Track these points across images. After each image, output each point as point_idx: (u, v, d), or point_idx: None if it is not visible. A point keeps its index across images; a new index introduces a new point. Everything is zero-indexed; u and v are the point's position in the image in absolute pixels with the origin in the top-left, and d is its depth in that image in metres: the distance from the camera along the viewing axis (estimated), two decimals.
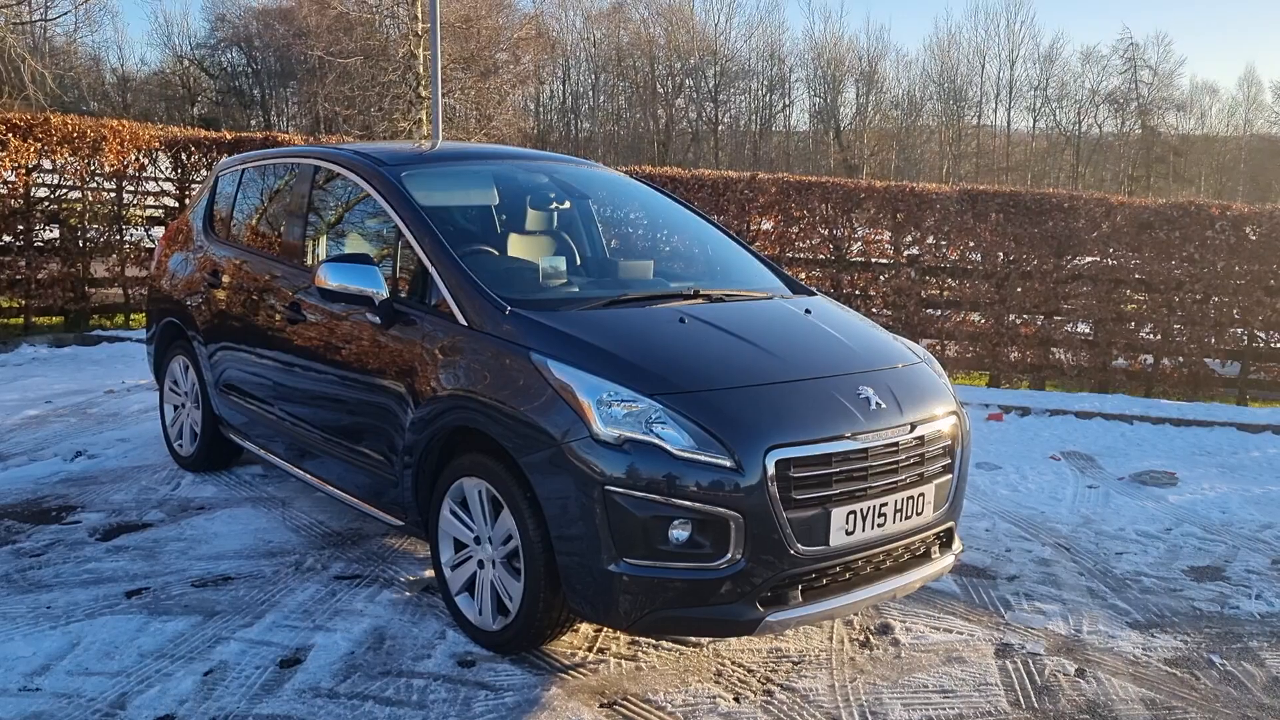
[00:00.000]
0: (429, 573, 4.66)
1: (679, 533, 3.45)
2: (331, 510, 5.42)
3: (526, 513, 3.68)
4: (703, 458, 3.45)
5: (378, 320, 4.27)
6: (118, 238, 10.77)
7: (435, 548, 4.15)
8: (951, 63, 65.69)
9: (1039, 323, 10.67)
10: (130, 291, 11.04)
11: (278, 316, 4.96)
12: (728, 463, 3.45)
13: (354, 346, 4.43)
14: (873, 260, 10.97)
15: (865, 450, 3.69)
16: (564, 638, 3.99)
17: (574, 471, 3.50)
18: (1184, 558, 5.43)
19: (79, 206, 10.48)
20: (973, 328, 10.74)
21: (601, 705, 3.61)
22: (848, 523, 3.65)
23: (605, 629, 4.10)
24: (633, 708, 3.60)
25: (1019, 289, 10.48)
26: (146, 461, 6.22)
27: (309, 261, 4.98)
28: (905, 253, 10.85)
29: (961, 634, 4.31)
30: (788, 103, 66.71)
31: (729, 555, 3.46)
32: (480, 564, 3.97)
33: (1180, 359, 10.44)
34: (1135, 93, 63.86)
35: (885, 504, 3.75)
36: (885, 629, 4.31)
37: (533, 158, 5.52)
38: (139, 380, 8.53)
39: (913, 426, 3.86)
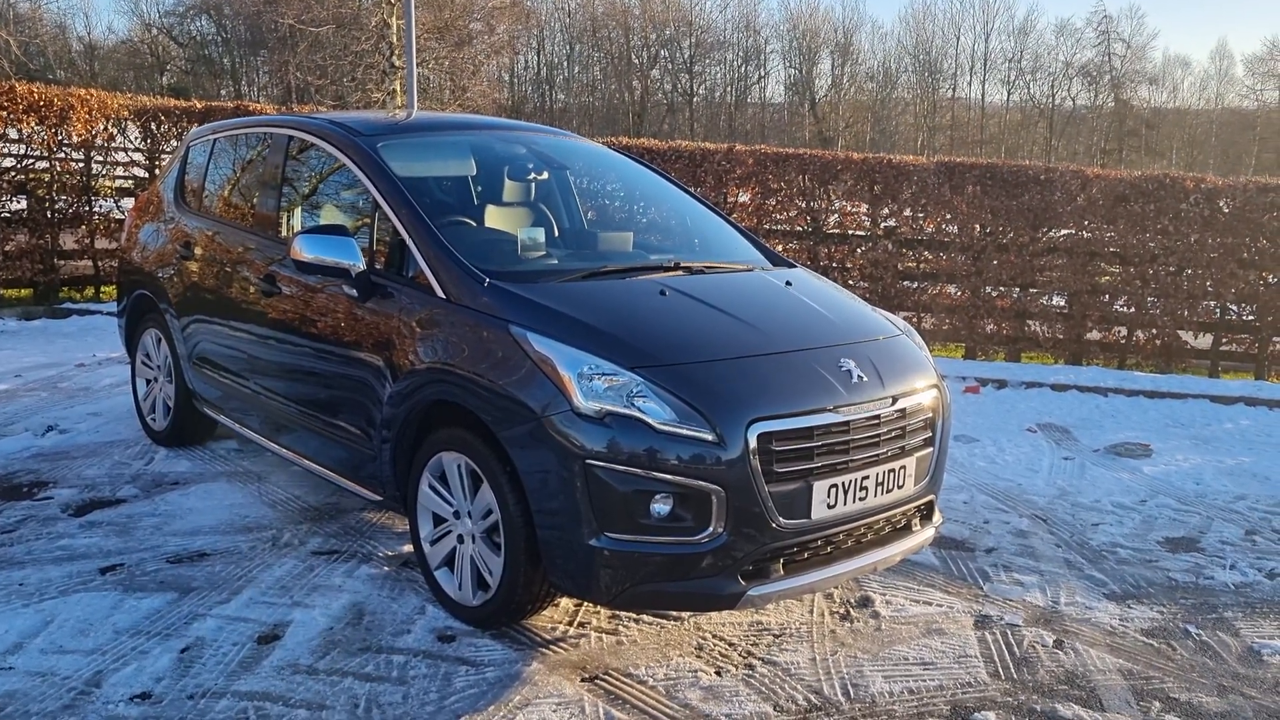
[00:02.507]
0: (408, 548, 4.63)
1: (660, 506, 3.43)
2: (308, 485, 5.37)
3: (506, 487, 3.65)
4: (684, 431, 3.43)
5: (354, 293, 4.21)
6: (86, 209, 10.61)
7: (414, 523, 4.12)
8: (926, 35, 65.69)
9: (1015, 295, 10.71)
10: (100, 264, 10.90)
11: (252, 289, 4.89)
12: (709, 436, 3.43)
13: (330, 320, 4.38)
14: (850, 233, 10.96)
15: (847, 423, 3.68)
16: (544, 612, 3.98)
17: (554, 445, 3.47)
18: (1159, 529, 5.47)
19: (46, 177, 10.30)
20: (949, 300, 10.77)
21: (583, 680, 3.60)
22: (829, 496, 3.64)
23: (585, 603, 4.09)
24: (614, 682, 3.59)
25: (995, 261, 10.50)
26: (119, 436, 6.14)
27: (283, 233, 4.91)
28: (882, 225, 10.85)
29: (941, 606, 4.33)
30: (763, 74, 66.56)
31: (710, 529, 3.44)
32: (460, 539, 3.94)
33: (1154, 331, 10.51)
34: (1108, 65, 64.07)
35: (867, 477, 3.75)
36: (866, 602, 4.32)
37: (510, 128, 5.46)
38: (110, 354, 8.42)
39: (894, 399, 3.85)
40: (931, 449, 4.05)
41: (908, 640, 4.01)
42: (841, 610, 4.24)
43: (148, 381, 6.06)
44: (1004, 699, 3.62)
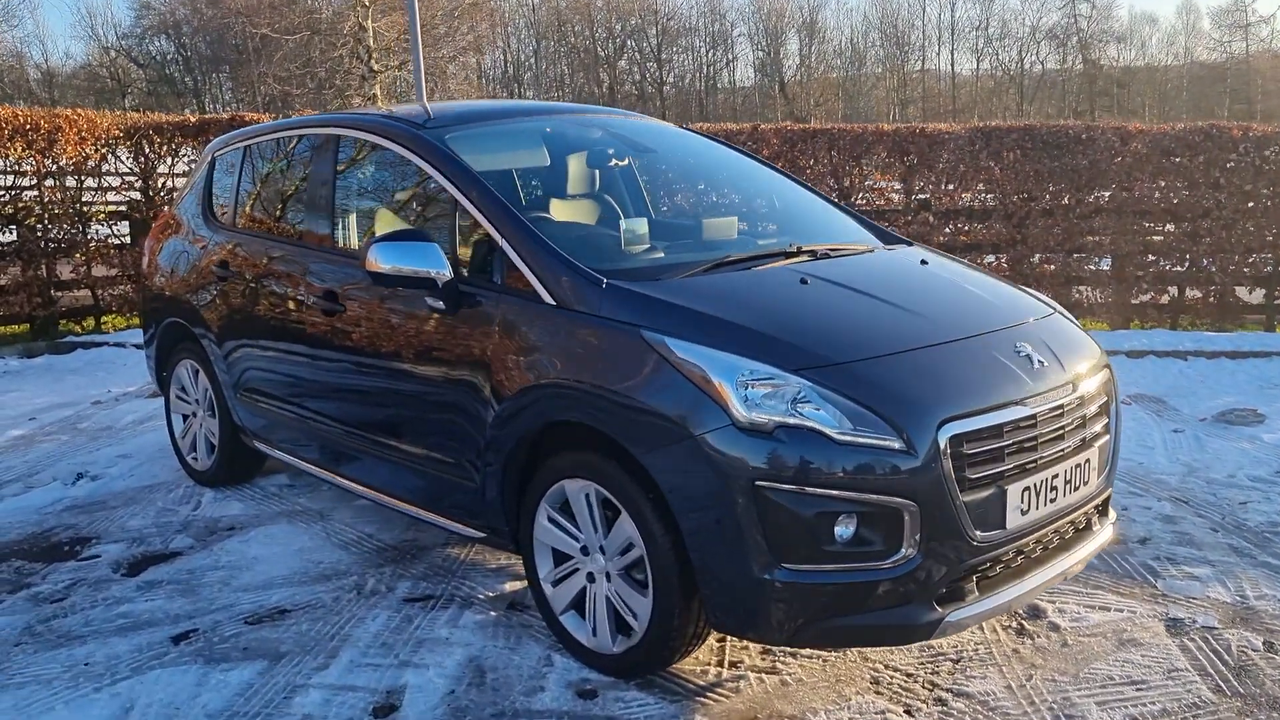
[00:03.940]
0: (511, 586, 4.13)
1: (843, 529, 2.94)
2: (378, 520, 4.85)
3: (652, 517, 3.15)
4: (868, 440, 2.93)
5: (440, 305, 3.69)
6: (81, 236, 10.00)
7: (530, 561, 3.61)
8: (892, 8, 65.38)
9: (1060, 260, 10.25)
10: (99, 292, 10.29)
11: (308, 308, 4.36)
12: (896, 444, 2.94)
13: (410, 336, 3.86)
14: (883, 209, 10.49)
15: (1034, 416, 3.20)
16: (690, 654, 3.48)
17: (715, 467, 2.96)
18: None
19: (36, 206, 9.70)
20: (994, 271, 10.30)
21: None
22: (1023, 501, 3.16)
23: (733, 640, 3.60)
24: None
25: (1038, 227, 10.05)
26: (157, 479, 5.60)
27: (340, 243, 4.39)
28: (915, 197, 10.38)
29: (1121, 611, 3.85)
30: (731, 58, 66.10)
31: (902, 551, 2.95)
32: (590, 577, 3.44)
33: (1212, 288, 10.08)
34: (1075, 27, 63.88)
35: (1055, 475, 3.27)
36: (1036, 613, 3.84)
37: (578, 111, 4.92)
38: (127, 388, 7.86)
39: (1074, 385, 3.38)
40: (1109, 436, 3.58)
41: (1103, 655, 3.53)
42: (1014, 625, 3.76)
43: (185, 417, 5.53)
44: None
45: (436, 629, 3.77)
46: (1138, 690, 3.32)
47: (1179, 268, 10.16)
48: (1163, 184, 9.93)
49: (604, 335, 3.28)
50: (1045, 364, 3.33)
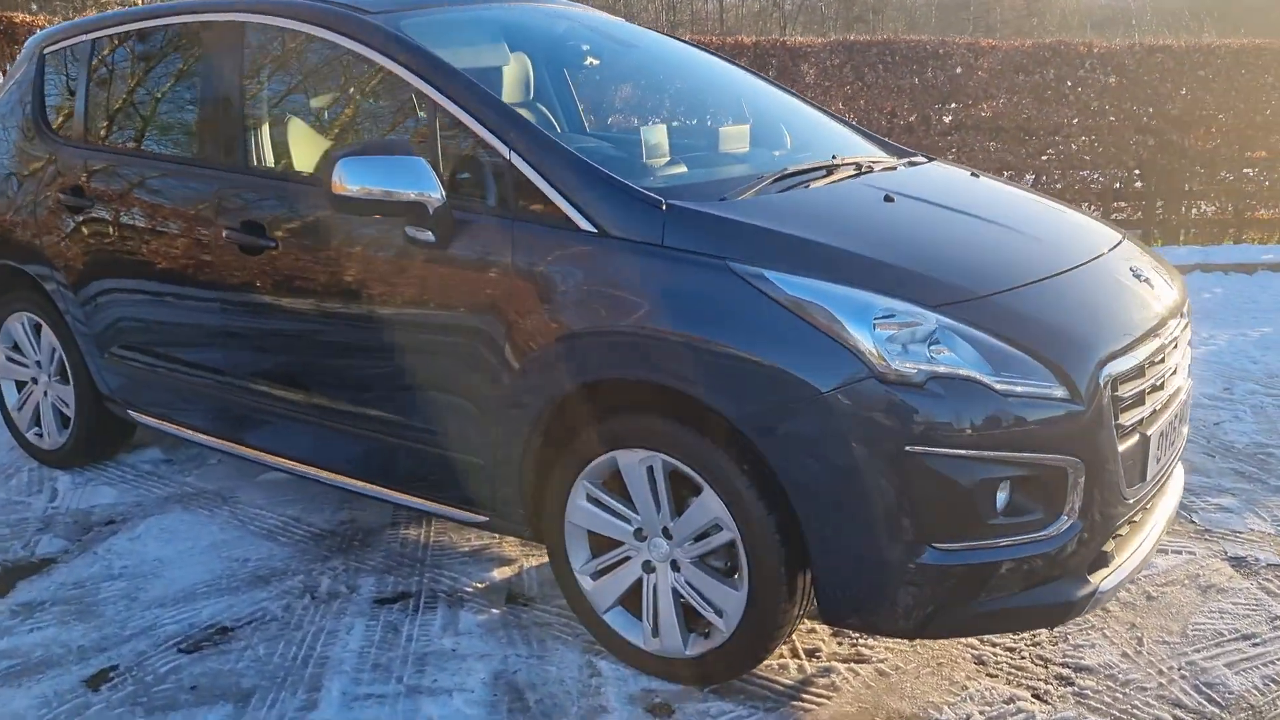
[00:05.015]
0: (499, 573, 3.44)
1: (1002, 496, 2.44)
2: (299, 499, 4.01)
3: (750, 494, 2.54)
4: (1030, 389, 2.42)
5: (429, 237, 2.90)
6: None
7: (560, 549, 2.94)
8: None
9: None
10: None
11: (221, 245, 3.44)
12: (1060, 391, 2.43)
13: (381, 277, 3.05)
14: None
15: (1163, 348, 2.78)
16: None
17: (849, 431, 2.38)
18: (1275, 417, 4.92)
19: None
20: None
21: None
22: (1158, 447, 2.76)
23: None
24: None
25: (903, 143, 9.82)
26: None
27: (263, 163, 3.47)
28: None
29: (1180, 554, 3.55)
30: None
31: (1064, 517, 2.48)
32: (648, 567, 2.81)
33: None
34: None
35: (1175, 416, 2.89)
36: None
37: None
38: None
39: (1182, 311, 2.99)
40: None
41: (1195, 607, 3.21)
42: None
43: (20, 385, 4.44)
44: None
45: (435, 639, 3.05)
46: (1254, 646, 3.00)
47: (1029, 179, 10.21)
48: (1014, 99, 9.88)
49: (674, 270, 2.61)
50: (1156, 288, 2.92)
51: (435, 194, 2.84)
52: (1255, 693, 2.77)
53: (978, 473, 2.38)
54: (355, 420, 3.27)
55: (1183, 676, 2.85)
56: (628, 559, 2.85)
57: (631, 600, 2.88)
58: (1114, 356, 2.54)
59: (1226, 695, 2.76)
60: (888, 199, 2.93)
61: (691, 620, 2.79)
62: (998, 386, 2.38)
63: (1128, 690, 2.79)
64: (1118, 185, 10.35)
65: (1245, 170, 10.24)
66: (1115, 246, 3.03)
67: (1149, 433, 2.67)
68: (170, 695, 2.80)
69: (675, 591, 2.77)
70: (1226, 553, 3.55)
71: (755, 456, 2.53)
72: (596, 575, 2.91)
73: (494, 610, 3.21)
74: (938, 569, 2.43)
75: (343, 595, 3.31)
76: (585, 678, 2.86)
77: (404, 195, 2.83)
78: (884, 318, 2.42)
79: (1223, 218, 10.34)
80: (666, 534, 2.74)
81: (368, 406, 3.22)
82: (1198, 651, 2.96)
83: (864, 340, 2.38)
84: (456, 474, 3.08)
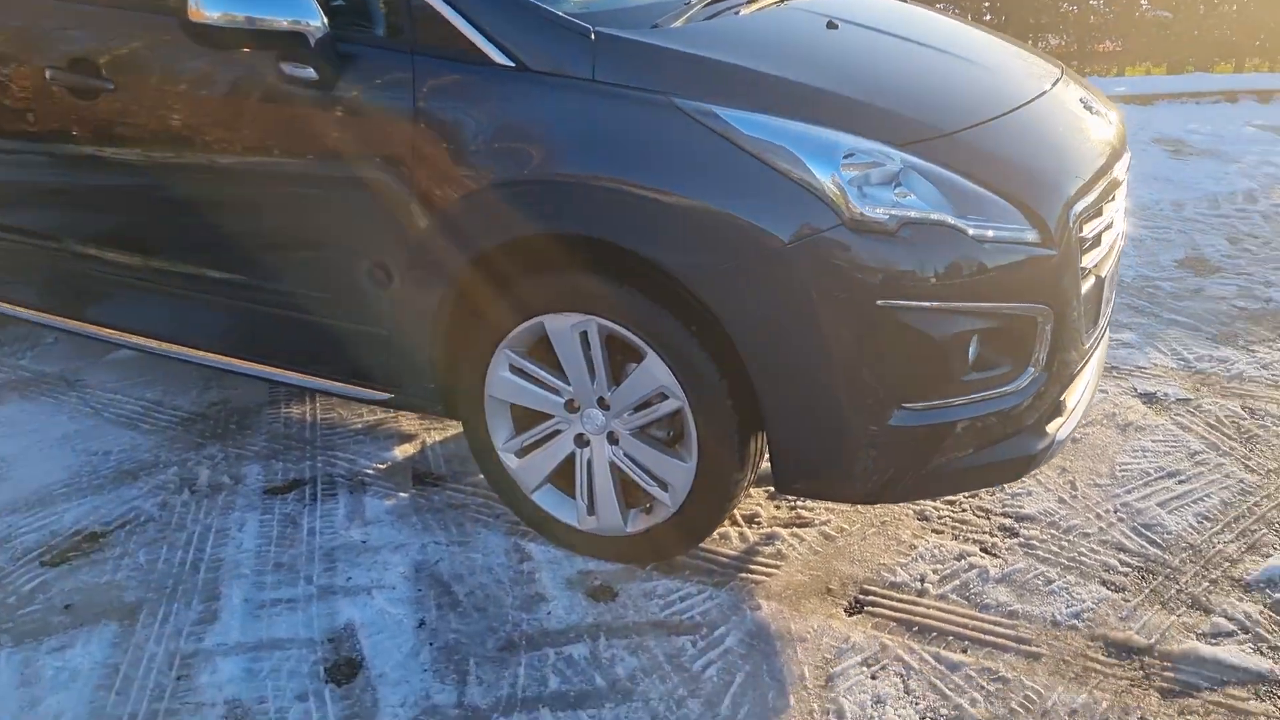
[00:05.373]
0: (400, 451, 3.15)
1: (972, 350, 2.27)
2: (158, 380, 3.59)
3: (700, 358, 2.31)
4: (1004, 232, 2.23)
5: (310, 74, 2.48)
6: None
7: (478, 425, 2.66)
8: None
9: None
10: None
11: (44, 89, 2.90)
12: (1032, 236, 2.26)
13: (251, 122, 2.61)
14: None
15: (1115, 183, 2.64)
16: None
17: (813, 284, 2.15)
18: (1162, 252, 4.96)
19: None
20: None
21: (849, 611, 2.48)
22: (1108, 288, 2.65)
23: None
24: (887, 604, 2.50)
25: None
26: None
27: None
28: None
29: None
30: None
31: (1031, 369, 2.34)
32: (581, 441, 2.56)
33: None
34: None
35: (1117, 251, 2.78)
36: None
37: None
38: None
39: (1124, 143, 2.85)
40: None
41: (1119, 447, 3.19)
42: None
43: None
44: None
45: (341, 530, 2.76)
46: (1180, 483, 3.00)
47: None
48: None
49: (608, 108, 2.28)
50: (1105, 121, 2.76)
51: (315, 21, 2.40)
52: (1192, 532, 2.76)
53: (951, 326, 2.20)
54: (227, 289, 2.86)
55: (1120, 519, 2.82)
56: (557, 433, 2.59)
57: (562, 477, 2.64)
58: (1080, 196, 2.37)
59: (1165, 536, 2.74)
60: (831, 25, 2.65)
61: (631, 495, 2.57)
62: (971, 232, 2.18)
63: (1071, 537, 2.74)
64: (968, 16, 10.28)
65: (1091, 1, 10.31)
66: (1060, 77, 2.85)
67: (1103, 275, 2.55)
68: (40, 618, 2.44)
69: (613, 465, 2.54)
70: (1136, 389, 3.55)
71: (704, 317, 2.29)
72: (522, 452, 2.65)
73: (401, 494, 2.92)
74: (903, 431, 2.27)
75: (226, 487, 2.96)
76: (515, 563, 2.63)
77: (276, 23, 2.38)
78: (849, 158, 2.17)
79: (1067, 50, 10.44)
80: (602, 404, 2.49)
81: (241, 273, 2.81)
82: (1129, 493, 2.94)
83: (830, 184, 2.13)
84: (350, 347, 2.74)
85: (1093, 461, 3.11)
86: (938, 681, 2.24)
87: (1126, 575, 2.58)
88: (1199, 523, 2.80)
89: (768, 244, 2.15)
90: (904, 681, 2.25)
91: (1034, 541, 2.72)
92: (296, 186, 2.60)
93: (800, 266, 2.15)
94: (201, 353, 2.98)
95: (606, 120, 2.28)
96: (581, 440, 2.56)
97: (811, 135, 2.18)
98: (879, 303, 2.15)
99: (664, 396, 2.41)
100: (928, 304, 2.17)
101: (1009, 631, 2.40)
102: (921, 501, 2.89)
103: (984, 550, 2.70)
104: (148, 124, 2.75)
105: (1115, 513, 2.84)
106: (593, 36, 2.32)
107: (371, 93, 2.46)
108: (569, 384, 2.51)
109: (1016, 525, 2.79)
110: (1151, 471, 3.05)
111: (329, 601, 2.48)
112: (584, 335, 2.43)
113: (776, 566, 2.63)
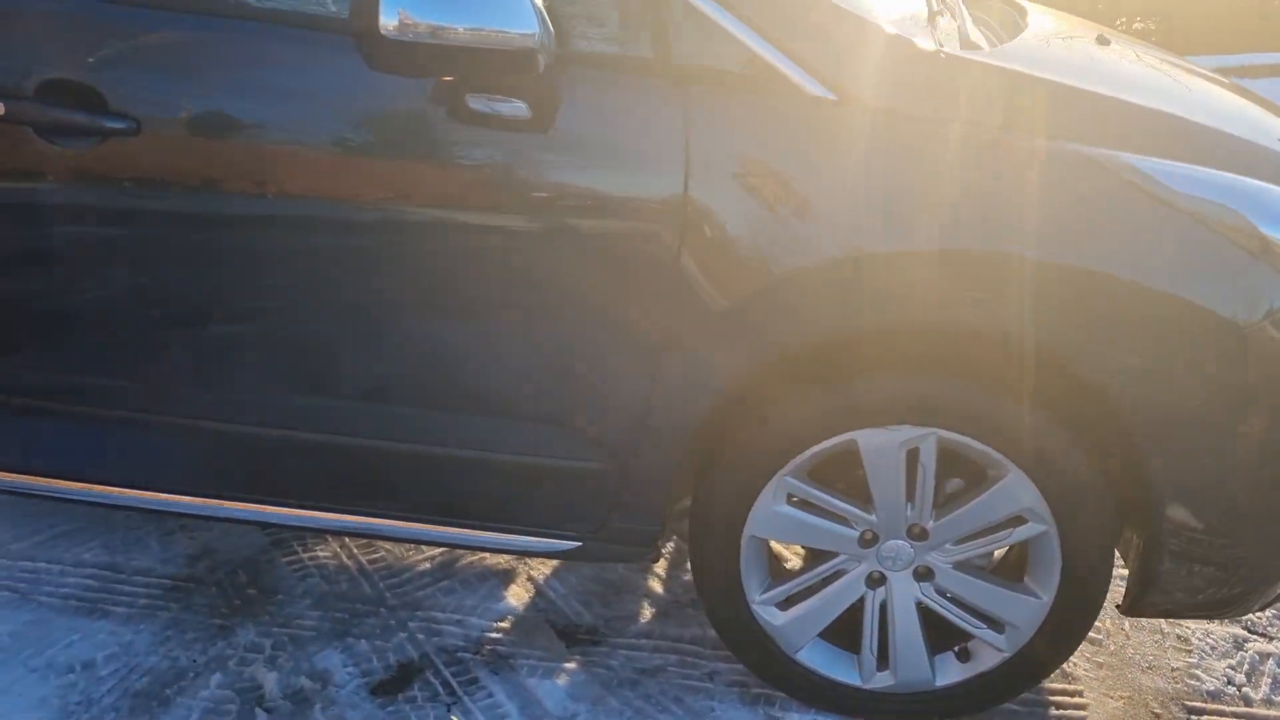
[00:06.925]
0: (511, 597, 2.39)
1: None
2: (75, 533, 2.51)
3: (1086, 475, 1.82)
4: None
5: (519, 110, 1.70)
6: None
7: (732, 573, 1.99)
8: None
9: None
10: None
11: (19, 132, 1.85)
12: None
13: (415, 183, 1.78)
14: None
15: None
16: None
17: (1267, 375, 1.74)
18: None
19: None
20: None
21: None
22: None
23: None
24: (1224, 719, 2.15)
25: None
26: None
27: None
28: None
29: None
30: None
31: None
32: (873, 580, 1.98)
33: None
34: None
35: None
36: None
37: None
38: None
39: None
40: None
41: None
42: None
43: None
44: None
45: None
46: None
47: None
48: None
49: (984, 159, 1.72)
50: None
51: (542, 36, 1.63)
52: None
53: None
54: (338, 425, 1.97)
55: None
56: (839, 574, 1.99)
57: (835, 628, 2.04)
58: None
59: None
60: (1102, 40, 2.22)
61: (940, 641, 2.04)
62: None
63: None
64: None
65: None
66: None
67: None
68: None
69: (919, 605, 1.99)
70: None
71: (1093, 424, 1.80)
72: (785, 603, 2.02)
73: (566, 664, 2.18)
74: None
75: (313, 694, 2.07)
76: None
77: (504, 36, 1.60)
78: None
79: None
80: (912, 534, 1.93)
81: (380, 402, 1.95)
82: None
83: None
84: (534, 489, 1.97)
85: None
86: None
87: None
88: None
89: (1219, 329, 1.70)
90: None
91: None
92: (491, 281, 1.81)
93: (1263, 355, 1.72)
94: (290, 511, 2.05)
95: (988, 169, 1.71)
96: (873, 580, 1.99)
97: (1248, 188, 1.75)
98: None
99: (1019, 521, 1.89)
100: None
101: None
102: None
103: (1250, 630, 2.41)
104: (204, 187, 1.82)
105: None
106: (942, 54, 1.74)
107: (615, 134, 1.73)
108: (872, 514, 1.92)
109: None
110: None
111: None
112: (912, 453, 1.86)
113: (1077, 692, 2.19)
